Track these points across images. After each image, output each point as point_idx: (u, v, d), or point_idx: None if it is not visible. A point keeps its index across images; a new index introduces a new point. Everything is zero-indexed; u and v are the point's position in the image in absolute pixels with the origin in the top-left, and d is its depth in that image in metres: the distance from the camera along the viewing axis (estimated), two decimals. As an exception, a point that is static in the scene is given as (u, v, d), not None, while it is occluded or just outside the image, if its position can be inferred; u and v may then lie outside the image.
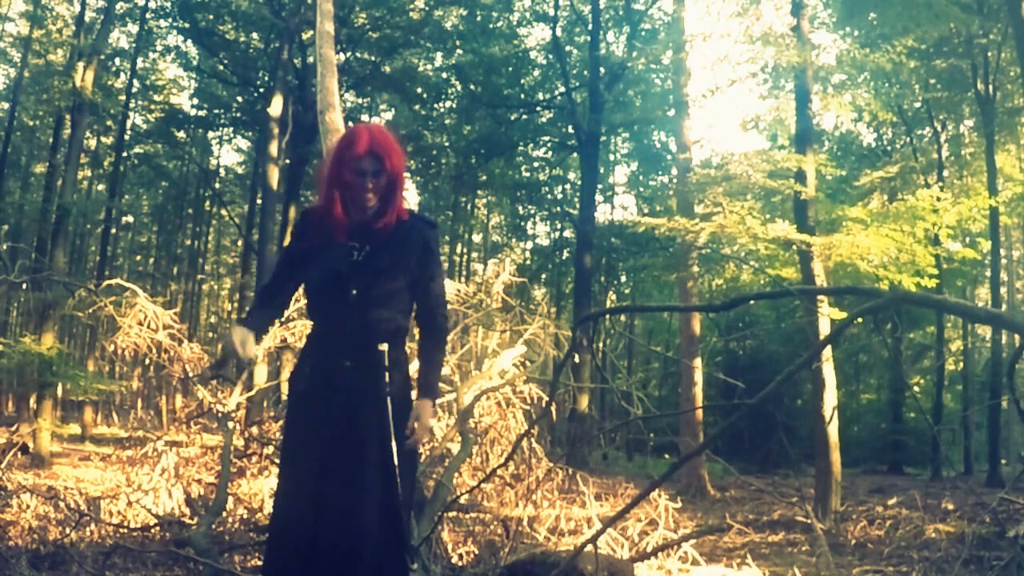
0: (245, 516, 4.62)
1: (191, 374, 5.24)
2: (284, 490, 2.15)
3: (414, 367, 3.39)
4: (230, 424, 4.83)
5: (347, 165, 2.12)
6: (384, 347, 2.10)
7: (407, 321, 2.27)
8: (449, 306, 5.08)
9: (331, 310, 2.16)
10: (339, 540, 2.03)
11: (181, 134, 22.39)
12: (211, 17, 17.84)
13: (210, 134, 24.31)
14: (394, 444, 2.06)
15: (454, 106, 21.36)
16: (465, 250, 29.05)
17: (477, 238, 29.84)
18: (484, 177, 22.25)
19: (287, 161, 17.27)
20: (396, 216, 2.17)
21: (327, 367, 2.13)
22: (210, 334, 30.29)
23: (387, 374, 2.10)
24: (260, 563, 3.89)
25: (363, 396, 2.10)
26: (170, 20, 18.57)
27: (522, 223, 26.36)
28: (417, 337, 2.33)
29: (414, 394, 2.28)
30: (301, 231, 2.26)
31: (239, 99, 20.65)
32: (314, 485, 2.06)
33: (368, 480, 2.06)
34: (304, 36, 17.21)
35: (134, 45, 18.78)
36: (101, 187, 23.23)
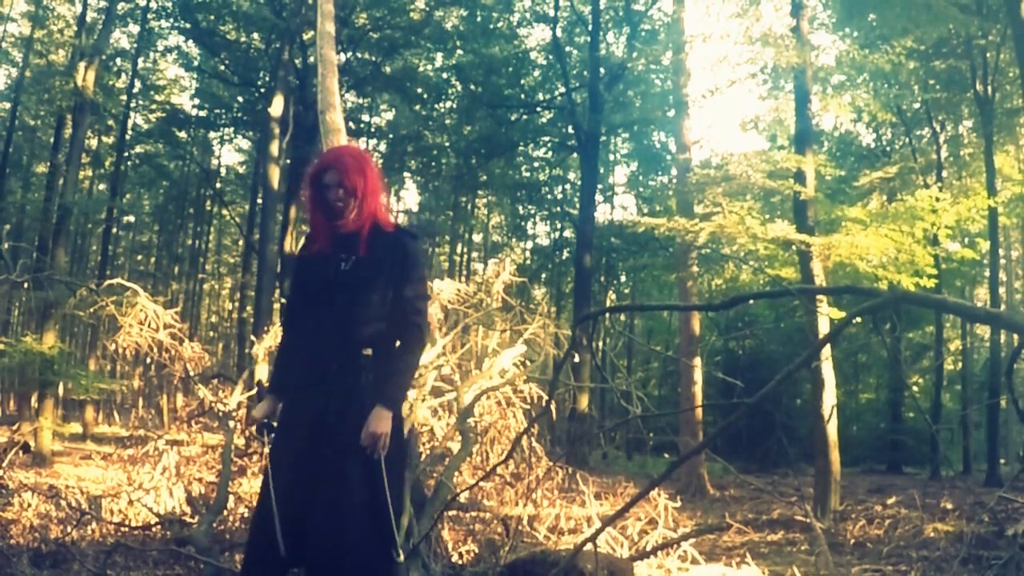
0: (246, 515, 4.63)
1: (192, 373, 5.26)
2: (266, 488, 2.24)
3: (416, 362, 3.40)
4: (231, 423, 4.85)
5: (314, 181, 2.34)
6: (368, 352, 2.21)
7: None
8: (450, 305, 5.12)
9: (319, 316, 2.30)
10: (324, 534, 2.11)
11: (182, 134, 22.40)
12: (212, 17, 17.86)
13: (211, 134, 24.33)
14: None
15: (454, 106, 21.38)
16: (465, 250, 29.07)
17: (477, 238, 29.86)
18: (484, 177, 22.27)
19: (288, 161, 17.30)
20: (365, 222, 2.30)
21: (315, 370, 2.25)
22: (211, 333, 30.31)
23: (364, 375, 2.20)
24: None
25: (346, 397, 2.20)
26: (171, 20, 18.60)
27: (522, 223, 26.39)
28: (392, 330, 2.37)
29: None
30: (306, 242, 2.46)
31: (240, 99, 20.67)
32: (295, 483, 2.15)
33: (348, 478, 2.14)
34: (305, 36, 17.23)
35: (135, 45, 18.82)
36: (102, 187, 23.24)
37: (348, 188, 2.27)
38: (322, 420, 2.19)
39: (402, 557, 2.15)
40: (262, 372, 5.86)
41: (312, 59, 16.36)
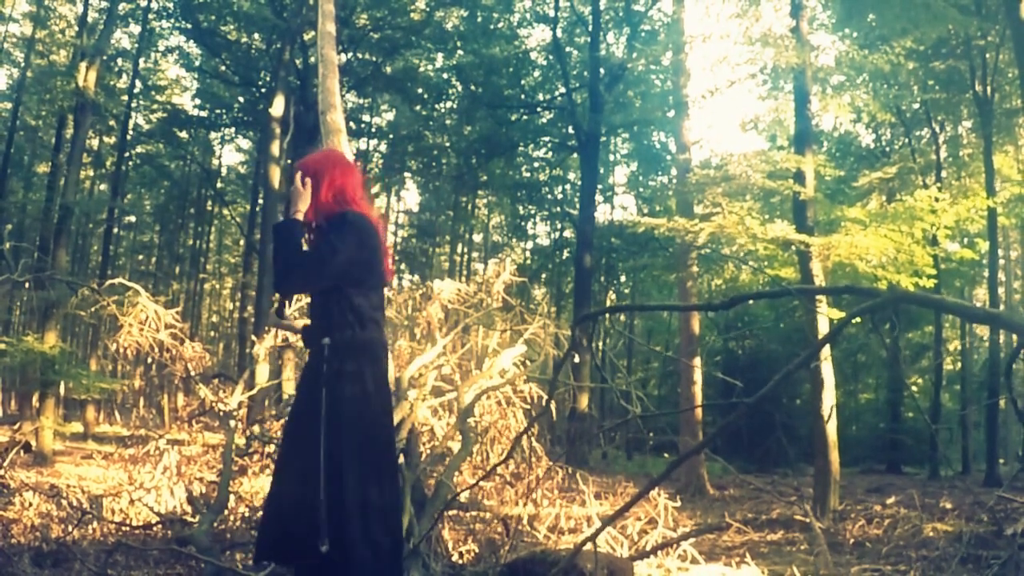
0: (247, 514, 4.65)
1: (193, 373, 5.28)
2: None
3: (416, 364, 3.49)
4: (232, 423, 4.87)
5: None
6: (326, 341, 2.32)
7: (345, 314, 2.38)
8: (450, 305, 5.13)
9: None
10: (302, 528, 2.25)
11: (183, 134, 22.42)
12: (213, 18, 17.88)
13: (212, 134, 24.35)
14: (323, 435, 2.22)
15: (455, 106, 21.40)
16: (466, 250, 29.10)
17: (478, 238, 29.88)
18: (484, 177, 22.29)
19: (289, 161, 17.30)
20: (313, 217, 2.47)
21: (305, 366, 2.50)
22: (212, 333, 30.34)
23: (324, 366, 2.30)
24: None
25: (306, 386, 2.36)
26: (172, 20, 18.64)
27: (522, 223, 26.40)
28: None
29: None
30: None
31: (241, 99, 20.69)
32: (277, 471, 2.45)
33: (317, 466, 2.21)
34: (306, 37, 17.25)
35: (136, 45, 18.85)
36: (103, 187, 23.28)
37: (309, 187, 2.46)
38: (296, 410, 2.39)
39: (324, 547, 2.15)
40: (263, 372, 5.88)
41: (313, 59, 16.38)
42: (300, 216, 2.40)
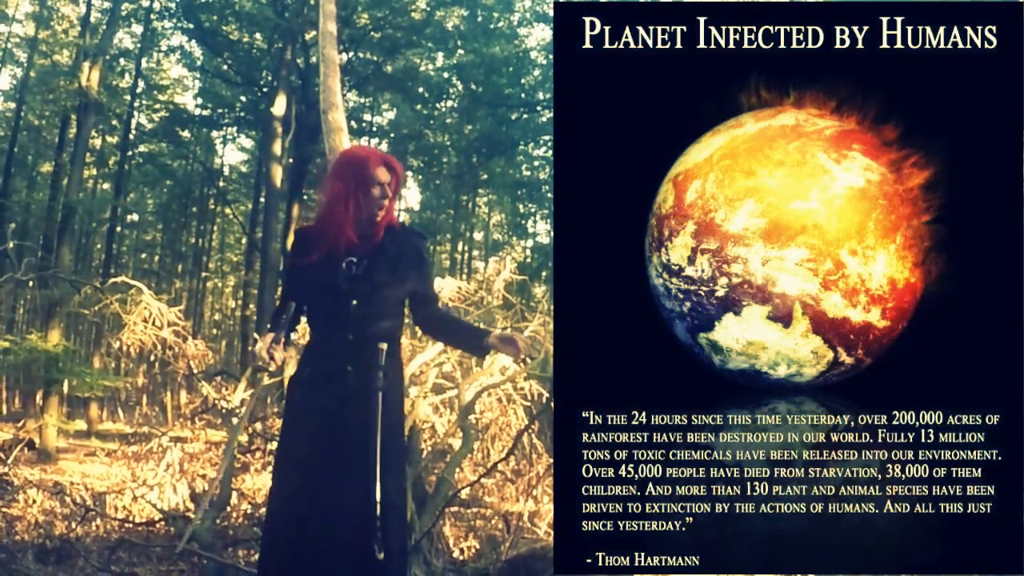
0: (249, 511, 4.69)
1: (195, 371, 5.31)
2: (280, 487, 2.27)
3: (417, 362, 3.50)
4: (234, 420, 4.90)
5: (369, 182, 2.25)
6: (384, 346, 2.21)
7: (401, 319, 2.42)
8: (451, 303, 5.16)
9: (333, 321, 2.27)
10: (327, 530, 2.13)
11: (186, 133, 22.47)
12: (215, 18, 17.93)
13: (214, 133, 24.39)
14: (379, 439, 2.13)
15: (455, 105, 21.43)
16: (466, 248, 29.12)
17: (478, 236, 29.89)
18: (485, 176, 22.33)
19: (290, 160, 17.36)
20: (385, 224, 2.32)
21: (328, 372, 2.25)
22: (214, 331, 30.40)
23: (381, 372, 2.19)
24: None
25: (357, 393, 2.20)
26: (174, 20, 18.69)
27: (523, 221, 26.43)
28: (429, 324, 2.49)
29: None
30: (299, 250, 2.35)
31: (243, 99, 20.73)
32: (309, 480, 2.16)
33: (360, 475, 2.13)
34: (307, 36, 17.28)
35: (139, 45, 18.92)
36: (106, 186, 23.30)
37: (394, 189, 2.29)
38: (332, 420, 2.21)
39: (381, 555, 2.08)
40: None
41: (314, 59, 16.41)
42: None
